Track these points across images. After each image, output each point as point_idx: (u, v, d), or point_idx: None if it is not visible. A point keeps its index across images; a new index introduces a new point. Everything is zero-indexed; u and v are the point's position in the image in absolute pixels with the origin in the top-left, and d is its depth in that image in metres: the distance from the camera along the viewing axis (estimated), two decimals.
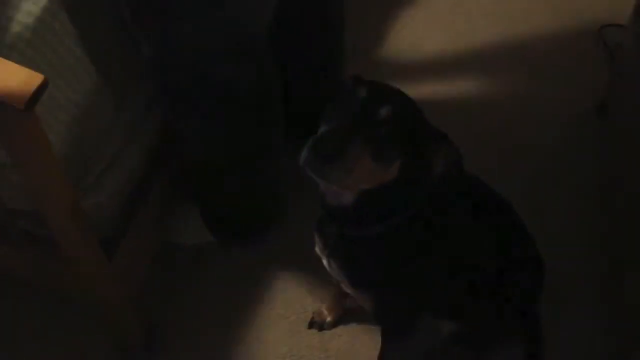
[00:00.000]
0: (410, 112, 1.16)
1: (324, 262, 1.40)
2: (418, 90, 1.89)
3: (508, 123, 1.99)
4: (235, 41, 1.30)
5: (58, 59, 1.26)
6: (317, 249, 1.42)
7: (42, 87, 1.07)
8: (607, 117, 1.92)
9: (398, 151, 1.12)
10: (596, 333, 1.67)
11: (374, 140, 1.10)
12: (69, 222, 1.30)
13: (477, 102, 2.03)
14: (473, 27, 2.17)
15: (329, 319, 1.70)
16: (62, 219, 1.29)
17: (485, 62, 2.11)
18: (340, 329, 1.70)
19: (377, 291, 1.37)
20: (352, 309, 1.69)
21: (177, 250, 1.79)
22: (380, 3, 2.22)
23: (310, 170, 1.09)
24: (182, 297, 1.76)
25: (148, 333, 1.68)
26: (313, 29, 1.61)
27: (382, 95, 1.13)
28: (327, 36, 1.66)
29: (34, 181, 1.22)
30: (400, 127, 1.11)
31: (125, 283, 1.56)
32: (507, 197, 1.48)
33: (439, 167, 1.15)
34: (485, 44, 2.14)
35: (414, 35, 2.15)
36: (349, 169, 1.09)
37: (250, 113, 1.46)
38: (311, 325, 1.71)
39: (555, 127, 1.98)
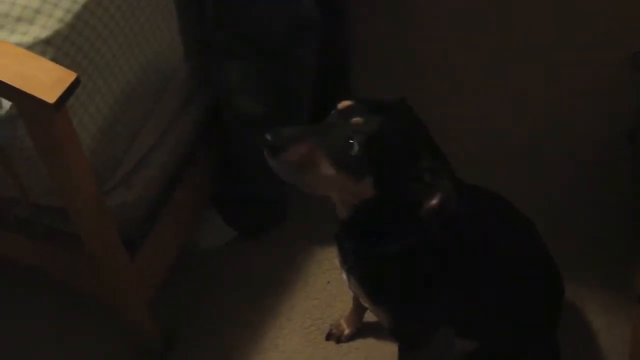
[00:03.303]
0: (402, 135, 1.13)
1: (343, 275, 1.40)
2: (445, 106, 1.89)
3: (538, 145, 1.98)
4: (294, 18, 1.42)
5: (97, 55, 1.28)
6: (337, 262, 1.42)
7: (74, 85, 1.09)
8: (637, 143, 1.91)
9: (367, 167, 1.11)
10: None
11: (335, 147, 1.10)
12: (94, 220, 1.31)
13: (507, 123, 2.02)
14: (504, 47, 2.17)
15: (346, 331, 1.70)
16: (87, 216, 1.30)
17: (516, 84, 2.10)
18: (357, 343, 1.70)
19: (395, 307, 1.37)
20: (370, 323, 1.68)
21: (197, 255, 1.81)
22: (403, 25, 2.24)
23: (266, 154, 1.10)
24: (200, 303, 1.77)
25: (166, 337, 1.69)
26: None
27: (368, 110, 1.12)
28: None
29: (60, 177, 1.23)
30: (378, 145, 1.10)
31: (147, 284, 1.57)
32: (534, 218, 1.47)
33: (431, 201, 1.11)
34: (517, 65, 2.13)
35: (443, 51, 2.16)
36: (300, 167, 1.09)
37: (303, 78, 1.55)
38: (329, 337, 1.71)
39: (586, 151, 1.97)
